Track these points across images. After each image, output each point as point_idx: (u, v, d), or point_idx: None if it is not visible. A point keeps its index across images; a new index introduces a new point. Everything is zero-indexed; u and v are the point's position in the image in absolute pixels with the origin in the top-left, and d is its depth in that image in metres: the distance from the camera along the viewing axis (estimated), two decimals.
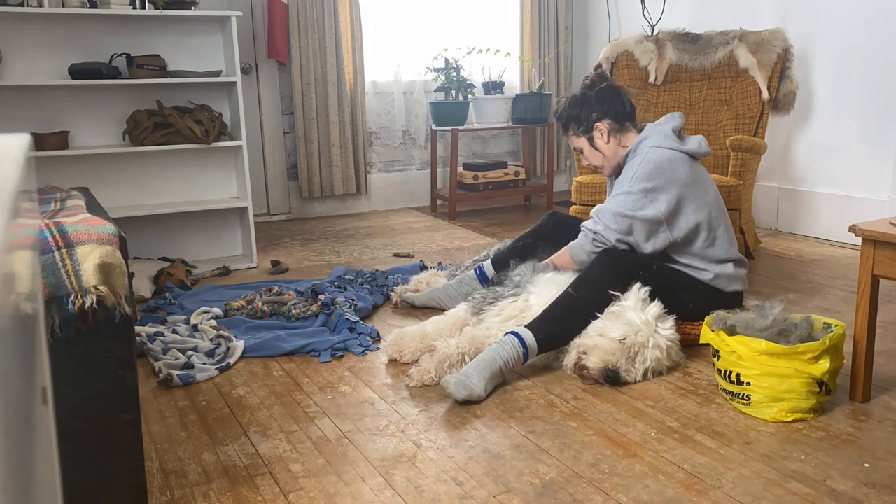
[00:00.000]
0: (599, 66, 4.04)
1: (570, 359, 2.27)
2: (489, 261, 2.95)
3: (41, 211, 1.75)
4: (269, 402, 2.16)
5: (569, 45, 5.68)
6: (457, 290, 2.90)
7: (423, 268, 3.49)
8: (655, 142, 2.50)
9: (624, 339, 2.20)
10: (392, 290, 3.08)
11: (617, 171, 2.65)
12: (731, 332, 2.05)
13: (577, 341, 2.27)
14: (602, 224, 2.44)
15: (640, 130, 2.61)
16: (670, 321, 2.27)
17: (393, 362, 2.44)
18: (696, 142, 2.53)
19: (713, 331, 2.06)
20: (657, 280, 2.37)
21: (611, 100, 2.63)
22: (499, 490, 1.66)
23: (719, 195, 2.57)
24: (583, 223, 2.54)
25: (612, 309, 2.28)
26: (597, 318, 2.27)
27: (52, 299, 1.32)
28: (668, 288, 2.39)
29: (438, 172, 5.36)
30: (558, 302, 2.31)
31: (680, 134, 2.56)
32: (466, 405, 2.09)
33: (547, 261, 2.65)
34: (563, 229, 2.84)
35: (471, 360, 2.25)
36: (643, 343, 2.21)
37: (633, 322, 2.21)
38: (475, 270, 2.95)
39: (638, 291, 2.29)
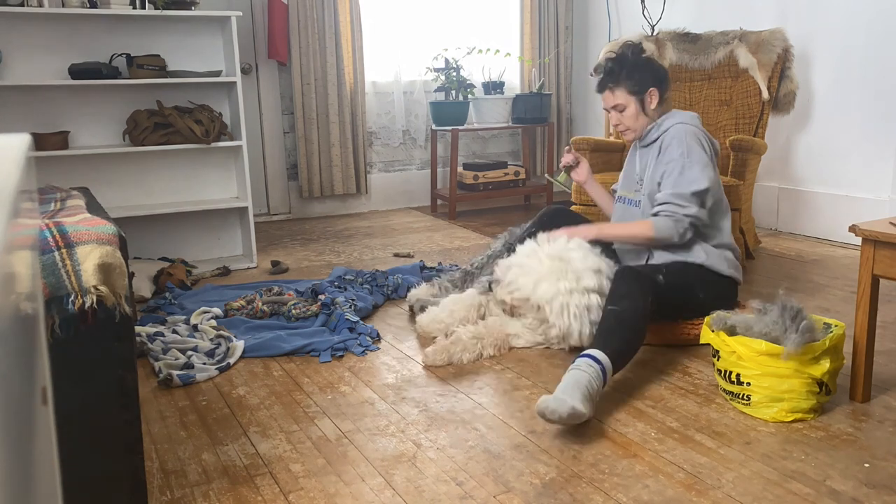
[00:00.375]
0: (599, 66, 4.03)
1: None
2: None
3: (41, 211, 1.75)
4: (269, 402, 2.16)
5: (569, 45, 5.68)
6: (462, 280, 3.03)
7: (423, 267, 3.49)
8: (683, 119, 2.58)
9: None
10: (399, 296, 3.15)
11: (641, 139, 2.68)
12: (731, 332, 2.05)
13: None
14: (693, 207, 2.45)
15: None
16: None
17: (399, 358, 2.44)
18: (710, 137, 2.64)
19: (713, 331, 2.06)
20: (673, 278, 2.42)
21: (659, 69, 2.68)
22: (499, 490, 1.66)
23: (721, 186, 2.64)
24: (662, 207, 2.49)
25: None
26: (646, 325, 2.22)
27: (52, 299, 1.32)
28: (682, 284, 2.45)
29: (438, 172, 5.36)
30: (606, 319, 2.20)
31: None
32: (467, 407, 2.09)
33: (599, 227, 2.69)
34: (564, 218, 2.87)
35: (485, 345, 2.45)
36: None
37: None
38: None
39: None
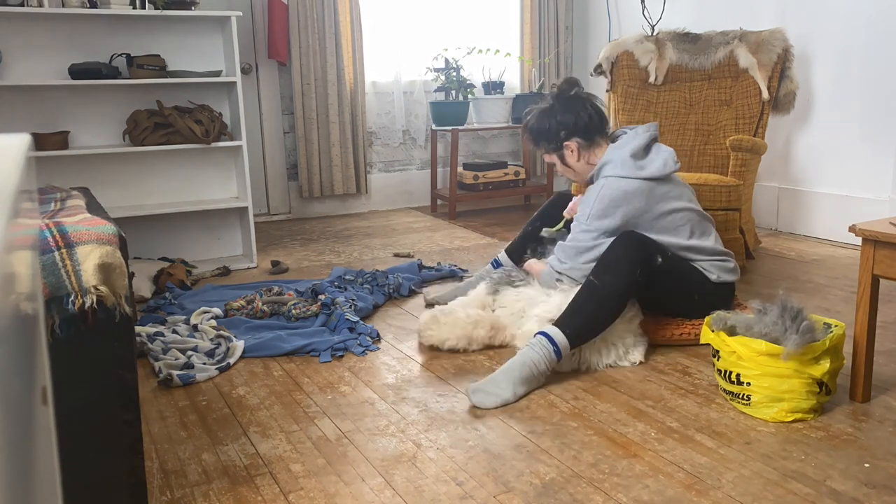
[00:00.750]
0: (599, 66, 4.04)
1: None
2: (503, 251, 3.08)
3: (41, 211, 1.75)
4: (269, 402, 2.16)
5: (569, 45, 5.68)
6: (479, 281, 2.99)
7: (422, 267, 3.49)
8: (612, 170, 2.47)
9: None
10: (419, 291, 3.19)
11: (590, 182, 2.63)
12: (731, 332, 2.05)
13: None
14: (568, 264, 2.49)
15: (613, 139, 2.61)
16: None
17: (399, 358, 2.44)
18: (661, 161, 2.47)
19: (713, 331, 2.06)
20: (670, 266, 2.40)
21: (577, 113, 2.55)
22: (499, 490, 1.66)
23: (693, 199, 2.56)
24: (549, 259, 2.59)
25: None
26: (622, 304, 2.28)
27: (52, 299, 1.32)
28: (680, 276, 2.44)
29: (438, 172, 5.36)
30: (581, 293, 2.27)
31: (646, 151, 2.50)
32: (467, 407, 2.09)
33: (526, 265, 2.74)
34: (565, 206, 2.91)
35: (480, 331, 2.47)
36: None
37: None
38: (492, 262, 3.10)
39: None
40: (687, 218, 2.49)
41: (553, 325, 2.23)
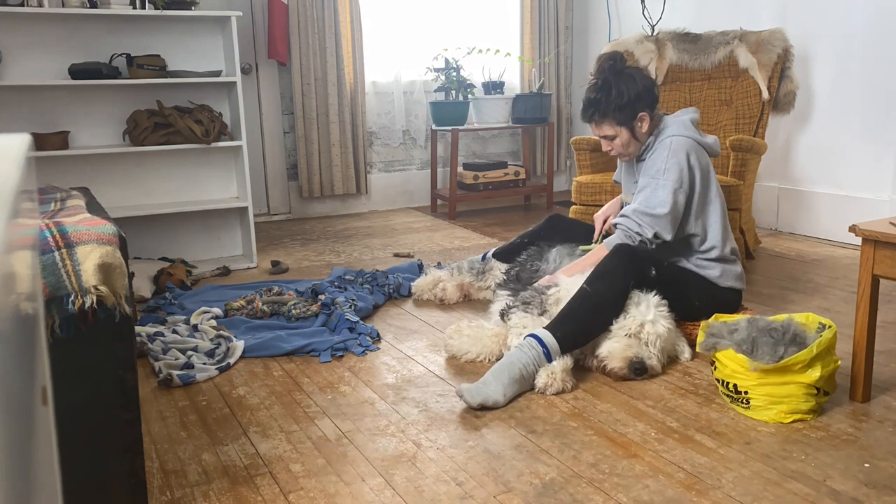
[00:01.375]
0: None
1: (593, 364, 2.30)
2: (491, 253, 3.13)
3: (41, 211, 1.75)
4: (269, 402, 2.16)
5: (569, 45, 5.67)
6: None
7: (421, 266, 3.49)
8: (676, 130, 2.50)
9: (637, 332, 2.24)
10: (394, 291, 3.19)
11: (639, 159, 2.63)
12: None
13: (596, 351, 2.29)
14: (648, 227, 2.43)
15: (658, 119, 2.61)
16: (664, 305, 2.32)
17: (399, 358, 2.44)
18: (712, 139, 2.57)
19: (706, 351, 2.08)
20: (668, 276, 2.41)
21: (645, 84, 2.53)
22: (499, 490, 1.66)
23: (723, 195, 2.60)
24: (619, 222, 2.50)
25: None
26: (614, 312, 2.28)
27: (52, 299, 1.32)
28: (677, 285, 2.45)
29: (438, 172, 5.36)
30: (574, 299, 2.29)
31: (697, 127, 2.59)
32: (467, 407, 2.09)
33: (569, 266, 2.61)
34: (559, 231, 2.95)
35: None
36: (653, 330, 2.25)
37: (636, 315, 2.25)
38: (481, 257, 3.17)
39: (640, 293, 2.33)
40: (725, 206, 2.56)
41: (544, 328, 2.23)
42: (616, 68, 2.54)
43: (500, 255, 3.09)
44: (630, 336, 2.24)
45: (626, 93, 2.49)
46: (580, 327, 2.25)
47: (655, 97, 2.55)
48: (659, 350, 2.26)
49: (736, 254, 2.58)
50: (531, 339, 2.20)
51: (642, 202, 2.46)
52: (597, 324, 2.27)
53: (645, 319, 2.25)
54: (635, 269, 2.33)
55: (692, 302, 2.45)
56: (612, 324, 2.28)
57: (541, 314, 2.41)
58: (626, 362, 2.20)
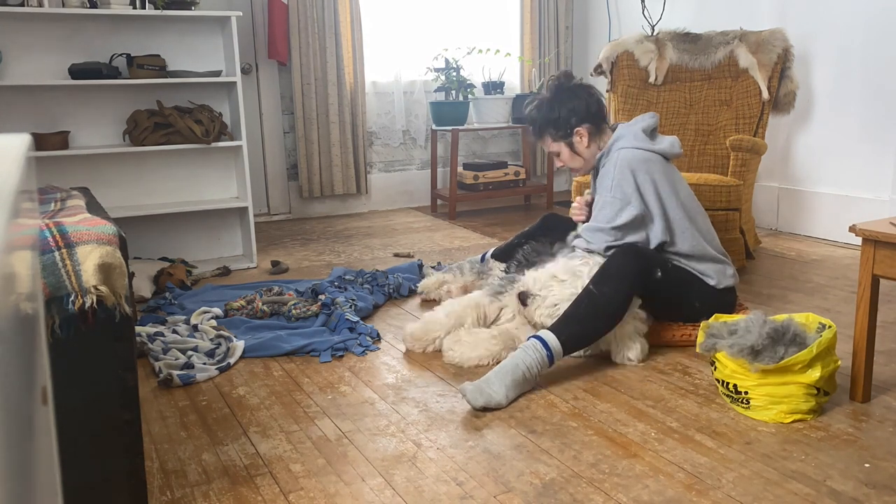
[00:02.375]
0: (599, 66, 4.04)
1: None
2: (490, 254, 3.13)
3: (41, 211, 1.75)
4: (270, 402, 2.16)
5: (569, 45, 5.68)
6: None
7: (421, 266, 3.49)
8: (626, 143, 2.50)
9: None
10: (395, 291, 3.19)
11: (595, 171, 2.65)
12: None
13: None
14: (595, 245, 2.48)
15: (612, 129, 2.63)
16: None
17: (399, 358, 2.44)
18: (668, 142, 2.54)
19: (705, 352, 2.08)
20: (672, 277, 2.41)
21: (586, 100, 2.57)
22: (499, 490, 1.66)
23: (692, 195, 2.59)
24: (576, 243, 2.56)
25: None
26: (619, 315, 2.29)
27: (52, 299, 1.32)
28: (680, 286, 2.45)
29: (438, 172, 5.36)
30: (579, 301, 2.28)
31: (652, 133, 2.56)
32: (467, 407, 2.09)
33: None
34: (554, 230, 2.95)
35: (465, 325, 2.48)
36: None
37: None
38: (480, 256, 3.15)
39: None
40: (697, 204, 2.55)
41: (549, 329, 2.23)
42: (560, 86, 2.62)
43: (499, 256, 3.10)
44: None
45: (558, 109, 2.57)
46: (584, 330, 2.24)
47: (597, 114, 2.58)
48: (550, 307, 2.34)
49: (723, 253, 2.58)
50: (535, 340, 2.19)
51: (594, 218, 2.53)
52: (601, 326, 2.26)
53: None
54: (641, 269, 2.33)
55: (693, 303, 2.45)
56: (615, 325, 2.28)
57: (491, 296, 2.57)
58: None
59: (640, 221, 2.45)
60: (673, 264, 2.47)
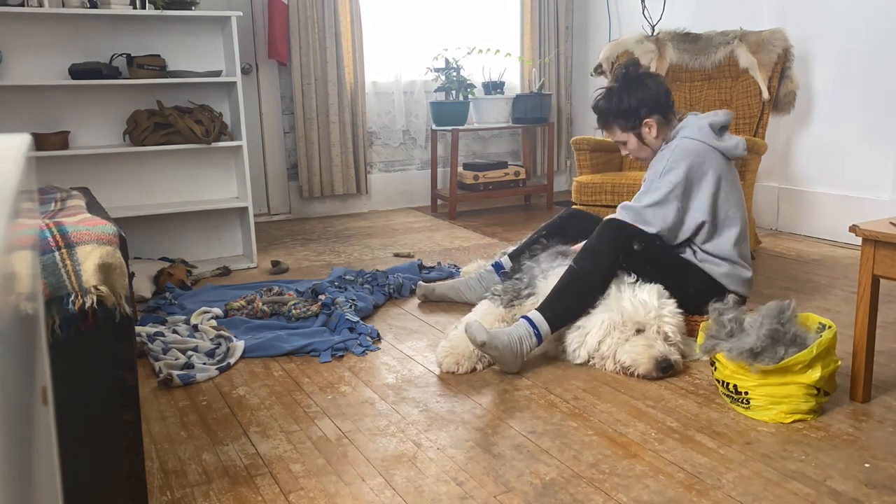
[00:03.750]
0: (600, 66, 4.04)
1: (612, 366, 2.31)
2: (506, 255, 3.05)
3: (41, 211, 1.75)
4: (270, 402, 2.16)
5: (569, 45, 5.67)
6: (477, 283, 2.99)
7: (422, 267, 3.49)
8: (690, 133, 2.50)
9: (649, 326, 2.26)
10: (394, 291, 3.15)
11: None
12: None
13: (603, 351, 2.29)
14: (629, 218, 2.46)
15: (680, 119, 2.61)
16: (665, 293, 2.36)
17: (399, 358, 2.44)
18: (734, 141, 2.52)
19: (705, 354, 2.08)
20: (652, 255, 2.42)
21: (655, 90, 2.57)
22: (499, 490, 1.66)
23: (741, 201, 2.56)
24: (610, 216, 2.55)
25: (599, 307, 2.34)
26: (601, 287, 2.33)
27: (52, 299, 1.32)
28: (665, 267, 2.45)
29: (438, 172, 5.36)
30: (562, 278, 2.37)
31: (721, 130, 2.54)
32: (468, 407, 2.09)
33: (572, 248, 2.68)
34: (578, 223, 2.89)
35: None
36: (672, 321, 2.29)
37: (628, 309, 2.28)
38: (493, 265, 3.05)
39: (622, 278, 2.38)
40: (743, 210, 2.54)
41: (536, 309, 2.32)
42: (628, 76, 2.62)
43: (516, 257, 2.99)
44: (641, 332, 2.26)
45: (627, 100, 2.56)
46: (568, 306, 2.34)
47: (665, 104, 2.58)
48: (678, 342, 2.30)
49: (748, 261, 2.56)
50: (523, 321, 2.29)
51: (636, 197, 2.52)
52: (584, 301, 2.35)
53: (660, 313, 2.27)
54: (620, 242, 2.38)
55: (685, 287, 2.43)
56: (598, 300, 2.34)
57: (505, 306, 2.55)
58: (653, 363, 2.21)
59: (678, 213, 2.45)
60: (660, 243, 2.46)
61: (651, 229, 2.43)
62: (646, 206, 2.44)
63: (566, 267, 2.45)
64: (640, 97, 2.56)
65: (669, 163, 2.46)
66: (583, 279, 2.34)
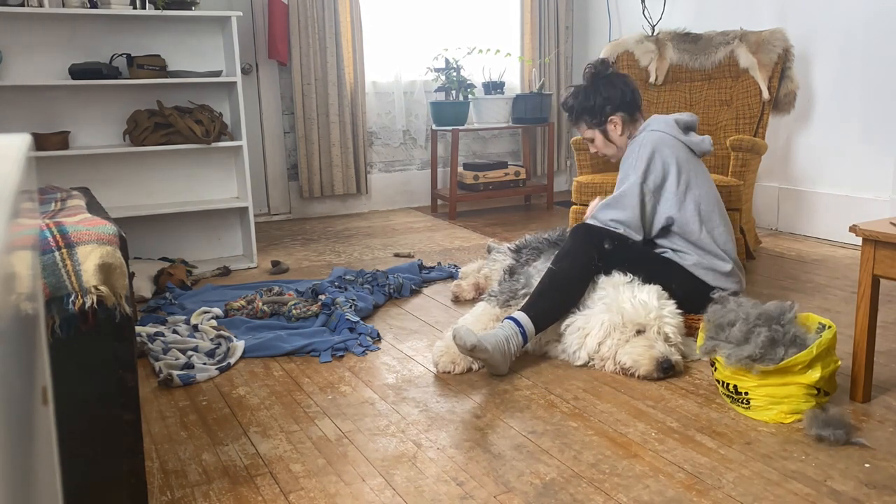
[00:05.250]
0: None
1: (613, 367, 2.31)
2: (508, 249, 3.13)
3: (41, 211, 1.75)
4: (270, 402, 2.16)
5: (569, 45, 5.67)
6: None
7: (422, 267, 3.49)
8: (654, 126, 2.59)
9: (649, 327, 2.27)
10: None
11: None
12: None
13: (603, 353, 2.30)
14: (604, 213, 2.52)
15: (645, 119, 2.70)
16: (664, 294, 2.38)
17: (399, 358, 2.44)
18: (699, 138, 2.61)
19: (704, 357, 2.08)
20: (626, 254, 2.46)
21: (621, 89, 2.67)
22: (499, 490, 1.66)
23: (716, 193, 2.61)
24: (587, 218, 2.65)
25: (598, 308, 2.35)
26: (581, 286, 2.38)
27: (52, 299, 1.32)
28: (643, 264, 2.47)
29: (438, 172, 5.36)
30: (543, 279, 2.42)
31: (686, 128, 2.61)
32: (468, 407, 2.09)
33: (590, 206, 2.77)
34: None
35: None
36: (672, 322, 2.30)
37: (628, 310, 2.29)
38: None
39: (614, 278, 2.40)
40: (718, 204, 2.57)
41: (520, 309, 2.36)
42: (596, 74, 2.72)
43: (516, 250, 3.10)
44: (641, 333, 2.27)
45: (594, 98, 2.67)
46: (552, 305, 2.38)
47: (632, 102, 2.68)
48: (678, 342, 2.31)
49: (731, 255, 2.56)
50: (509, 321, 2.32)
51: (612, 196, 2.58)
52: (567, 299, 2.40)
53: (660, 313, 2.28)
54: (592, 242, 2.43)
55: (667, 286, 2.43)
56: (580, 298, 2.39)
57: (501, 306, 2.56)
58: (654, 363, 2.22)
59: (643, 207, 2.50)
60: (633, 242, 2.49)
61: (619, 227, 2.49)
62: (610, 205, 2.52)
63: None
64: (605, 95, 2.66)
65: (636, 156, 2.53)
66: (562, 279, 2.39)
